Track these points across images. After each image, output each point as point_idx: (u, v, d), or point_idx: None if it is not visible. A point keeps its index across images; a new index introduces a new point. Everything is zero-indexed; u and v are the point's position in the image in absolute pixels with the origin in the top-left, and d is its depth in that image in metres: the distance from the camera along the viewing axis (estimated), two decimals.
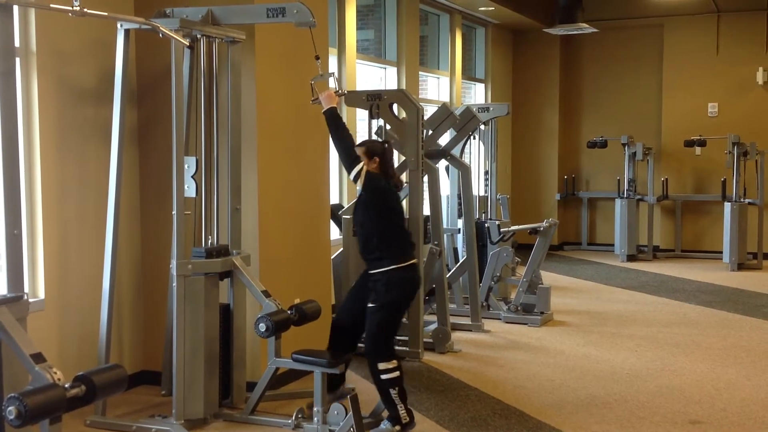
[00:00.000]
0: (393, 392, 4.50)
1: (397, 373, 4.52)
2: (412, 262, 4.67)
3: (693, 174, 12.27)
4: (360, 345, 4.83)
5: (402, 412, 4.50)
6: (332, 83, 5.04)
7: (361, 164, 4.57)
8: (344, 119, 5.17)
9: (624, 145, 11.70)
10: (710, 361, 6.26)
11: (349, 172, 4.60)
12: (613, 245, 11.96)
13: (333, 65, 7.77)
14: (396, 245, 4.61)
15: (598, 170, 12.95)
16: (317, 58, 4.89)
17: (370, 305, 4.59)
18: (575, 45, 12.94)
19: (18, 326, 3.25)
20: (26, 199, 4.67)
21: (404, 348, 6.27)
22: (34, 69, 4.72)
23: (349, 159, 4.60)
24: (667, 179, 12.07)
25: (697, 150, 11.87)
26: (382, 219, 4.60)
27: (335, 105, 4.68)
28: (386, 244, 4.58)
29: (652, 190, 11.94)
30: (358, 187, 4.62)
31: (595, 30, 11.10)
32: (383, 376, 4.52)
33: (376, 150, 4.69)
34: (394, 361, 4.53)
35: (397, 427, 4.51)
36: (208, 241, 4.89)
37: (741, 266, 10.80)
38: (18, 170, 3.49)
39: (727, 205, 10.82)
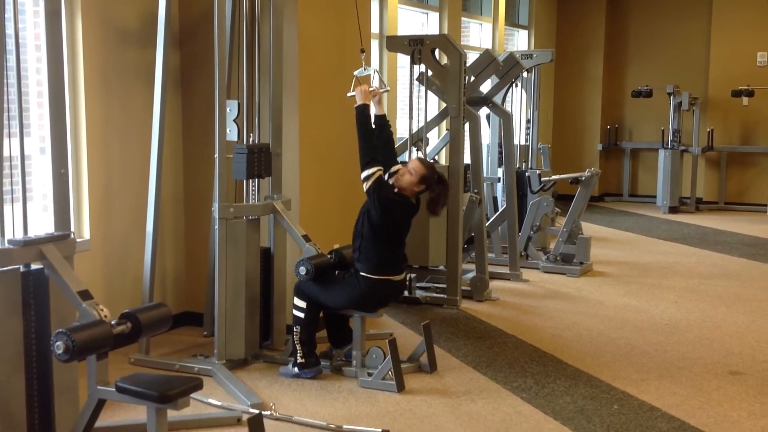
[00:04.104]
0: (295, 330, 4.59)
1: (301, 315, 4.58)
2: (387, 278, 4.53)
3: (740, 125, 12.02)
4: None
5: (298, 354, 4.58)
6: (375, 80, 4.99)
7: (375, 168, 4.43)
8: (386, 84, 5.08)
9: (669, 94, 11.49)
10: (752, 313, 6.20)
11: (361, 171, 4.47)
12: (655, 197, 11.83)
13: (375, 10, 7.68)
14: (375, 258, 4.48)
15: (642, 120, 12.74)
16: (362, 51, 4.90)
17: (339, 273, 4.66)
18: None
19: (65, 263, 3.29)
20: (71, 140, 4.72)
21: (442, 295, 6.31)
22: (78, 10, 4.72)
23: (366, 158, 4.48)
24: (712, 130, 11.84)
25: (745, 100, 11.61)
26: (374, 230, 4.47)
27: (368, 102, 4.61)
28: (366, 252, 4.50)
29: (697, 140, 11.74)
30: (364, 188, 4.47)
31: None
32: (294, 311, 4.64)
33: (429, 178, 4.50)
34: (305, 303, 4.58)
35: (295, 369, 4.60)
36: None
37: None
38: (64, 111, 3.51)
39: None
